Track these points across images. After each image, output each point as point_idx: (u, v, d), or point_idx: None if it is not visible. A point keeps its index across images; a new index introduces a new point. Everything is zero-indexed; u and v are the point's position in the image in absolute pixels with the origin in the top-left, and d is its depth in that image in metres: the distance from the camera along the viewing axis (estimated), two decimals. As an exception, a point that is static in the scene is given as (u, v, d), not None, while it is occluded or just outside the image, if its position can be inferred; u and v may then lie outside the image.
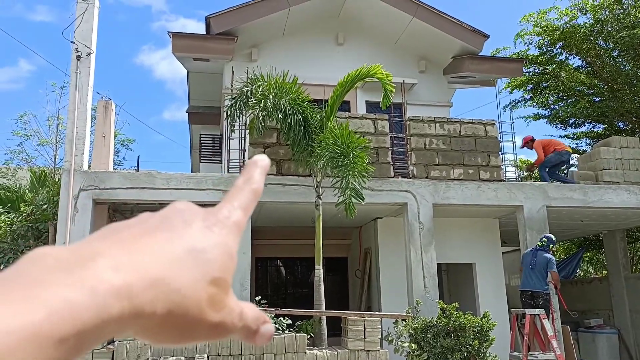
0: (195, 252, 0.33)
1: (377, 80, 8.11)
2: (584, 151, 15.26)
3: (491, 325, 7.15)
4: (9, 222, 8.96)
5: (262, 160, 0.42)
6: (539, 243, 8.16)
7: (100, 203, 7.89)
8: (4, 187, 11.99)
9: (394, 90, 7.88)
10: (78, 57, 7.85)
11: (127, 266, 0.30)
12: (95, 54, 8.07)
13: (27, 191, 11.24)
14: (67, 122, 7.77)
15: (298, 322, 7.50)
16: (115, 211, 9.12)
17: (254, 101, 7.61)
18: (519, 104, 16.07)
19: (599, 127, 15.76)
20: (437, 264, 8.80)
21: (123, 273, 0.30)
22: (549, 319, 7.80)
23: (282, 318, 7.45)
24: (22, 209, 9.20)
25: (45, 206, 9.04)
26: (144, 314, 0.30)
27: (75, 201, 7.42)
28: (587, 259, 18.60)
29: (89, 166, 8.23)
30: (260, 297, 7.66)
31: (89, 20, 8.03)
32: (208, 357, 6.61)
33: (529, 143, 10.85)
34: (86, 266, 0.29)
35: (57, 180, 11.08)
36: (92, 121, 9.92)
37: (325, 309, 7.68)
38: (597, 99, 14.68)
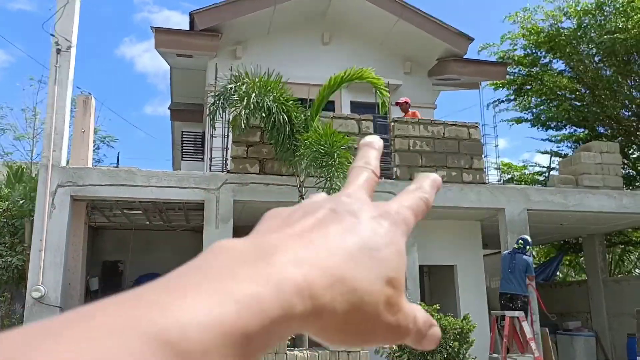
0: (369, 249, 0.31)
1: (362, 81, 8.08)
2: (565, 155, 15.42)
3: (471, 327, 7.18)
4: (-16, 218, 8.75)
5: (436, 176, 0.40)
6: (515, 245, 8.21)
7: (79, 200, 7.73)
8: (-21, 183, 11.72)
9: (389, 95, 7.83)
10: (58, 51, 7.68)
11: (306, 262, 0.29)
12: (75, 47, 7.91)
13: (3, 187, 11.00)
14: (46, 116, 7.60)
15: (278, 323, 7.44)
16: (93, 208, 8.96)
17: (236, 98, 7.52)
18: (502, 103, 16.19)
19: (580, 131, 15.96)
20: (419, 265, 8.81)
21: (304, 269, 0.28)
22: (527, 322, 7.86)
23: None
24: (-3, 205, 9.00)
25: (21, 202, 8.85)
26: (324, 313, 0.28)
27: (52, 197, 7.26)
28: (567, 262, 18.83)
29: (67, 162, 8.06)
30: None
31: (70, 13, 7.86)
32: None
33: (404, 105, 9.97)
34: (269, 261, 0.28)
35: (34, 175, 10.87)
36: (70, 116, 9.74)
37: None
38: (579, 104, 14.86)
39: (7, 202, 8.99)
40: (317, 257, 0.29)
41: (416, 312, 0.34)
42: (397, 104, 10.13)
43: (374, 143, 0.40)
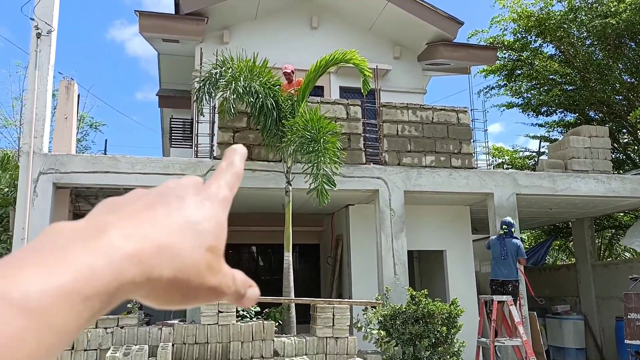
0: (192, 224, 0.37)
1: (351, 65, 7.97)
2: (555, 140, 15.42)
3: (459, 312, 7.18)
4: (-31, 207, 8.62)
5: (240, 148, 0.46)
6: (501, 231, 8.16)
7: (62, 187, 7.62)
8: (-35, 170, 11.55)
9: (372, 76, 7.74)
10: (38, 35, 7.51)
11: (135, 235, 0.34)
12: (57, 31, 7.73)
13: (-12, 175, 10.84)
14: (27, 102, 7.45)
15: (266, 310, 7.41)
16: (77, 196, 8.84)
17: (223, 83, 7.40)
18: (493, 90, 16.11)
19: (570, 116, 15.94)
20: (409, 251, 8.79)
21: (133, 241, 0.34)
22: (516, 306, 7.87)
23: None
24: (-18, 193, 8.86)
25: (6, 190, 8.72)
26: (153, 277, 0.34)
27: (34, 185, 7.14)
28: (557, 246, 18.92)
29: (50, 149, 7.93)
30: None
31: (50, -5, 7.68)
32: (173, 345, 6.48)
33: (289, 74, 8.60)
34: (100, 236, 0.33)
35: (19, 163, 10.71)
36: (54, 102, 9.59)
37: (297, 296, 7.60)
38: (569, 88, 14.80)
39: (-9, 190, 8.87)
40: (144, 232, 0.35)
41: (235, 274, 0.41)
42: (284, 73, 8.72)
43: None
